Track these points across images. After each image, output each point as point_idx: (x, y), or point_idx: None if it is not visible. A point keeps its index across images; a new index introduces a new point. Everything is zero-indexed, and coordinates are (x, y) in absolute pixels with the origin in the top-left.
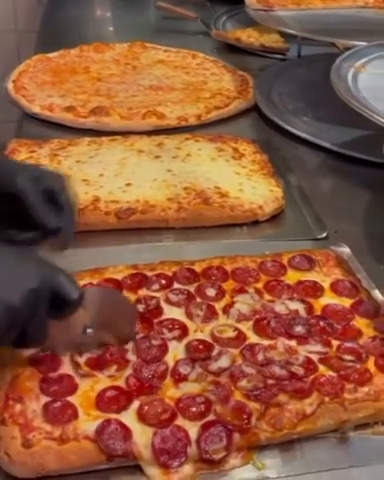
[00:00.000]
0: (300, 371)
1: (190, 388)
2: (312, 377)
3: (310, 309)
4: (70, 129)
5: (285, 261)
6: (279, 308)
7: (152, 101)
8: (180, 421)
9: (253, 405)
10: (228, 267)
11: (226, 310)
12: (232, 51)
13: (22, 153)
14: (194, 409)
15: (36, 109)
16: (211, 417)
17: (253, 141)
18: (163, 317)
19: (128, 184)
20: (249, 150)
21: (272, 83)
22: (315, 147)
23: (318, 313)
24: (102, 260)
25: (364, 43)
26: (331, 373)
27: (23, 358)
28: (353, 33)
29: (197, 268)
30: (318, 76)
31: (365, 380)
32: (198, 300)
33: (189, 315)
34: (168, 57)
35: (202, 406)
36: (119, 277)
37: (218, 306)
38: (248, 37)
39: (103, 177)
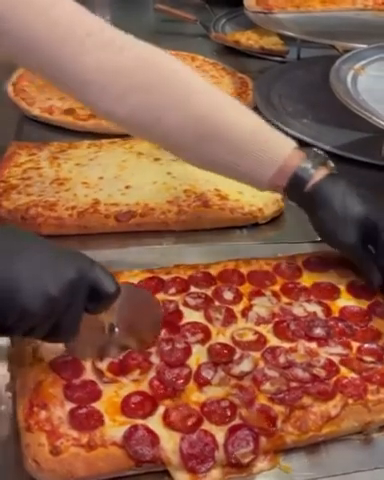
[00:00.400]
0: (322, 373)
1: (214, 392)
2: (334, 379)
3: (328, 311)
4: (69, 132)
5: (300, 263)
6: (297, 310)
7: None
8: (206, 426)
9: (278, 408)
10: (243, 270)
11: (245, 313)
12: (231, 53)
13: (22, 156)
14: (220, 413)
15: (36, 112)
16: (237, 421)
17: None
18: (184, 321)
19: (128, 187)
20: None
21: (271, 85)
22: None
23: (336, 315)
24: (103, 263)
25: (363, 45)
26: (353, 375)
27: (45, 365)
28: (352, 35)
29: (213, 271)
30: (317, 78)
31: None
32: (216, 304)
33: (208, 319)
34: None
35: (227, 410)
36: (135, 281)
37: (236, 309)
38: (247, 39)
39: (103, 180)
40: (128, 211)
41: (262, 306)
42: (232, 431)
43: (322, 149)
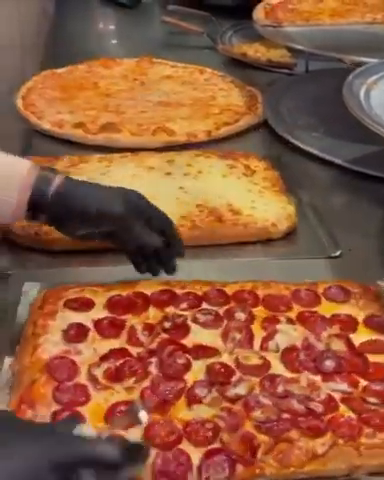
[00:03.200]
0: (319, 408)
1: (202, 411)
2: (330, 416)
3: (347, 344)
4: (79, 145)
5: (320, 291)
6: (315, 341)
7: (161, 117)
8: (185, 445)
9: (262, 438)
10: (260, 292)
11: (266, 340)
12: (239, 66)
13: None
14: (201, 434)
15: (46, 126)
16: (217, 445)
17: (264, 157)
18: (190, 336)
19: None
20: (260, 167)
21: (281, 98)
22: (326, 163)
23: (354, 348)
24: (116, 278)
25: (373, 59)
26: (351, 414)
27: (42, 364)
28: (361, 49)
29: (228, 290)
30: (326, 91)
31: None
32: (239, 323)
33: (224, 335)
34: (176, 72)
35: (210, 432)
36: (149, 292)
37: (257, 334)
38: (255, 52)
39: None
40: None
41: (286, 334)
42: (209, 455)
43: (334, 163)
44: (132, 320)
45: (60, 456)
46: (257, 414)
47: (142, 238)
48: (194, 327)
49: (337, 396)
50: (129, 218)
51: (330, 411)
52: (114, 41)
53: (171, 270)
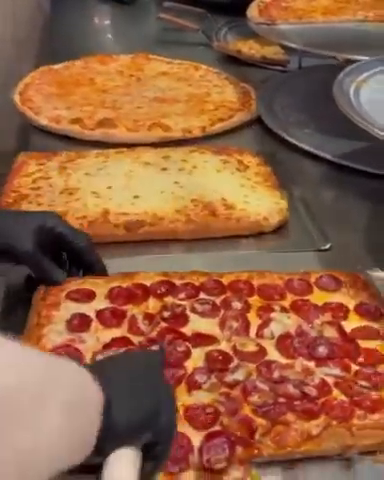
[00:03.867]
0: (313, 392)
1: (202, 397)
2: (324, 399)
3: (339, 330)
4: (75, 141)
5: (312, 280)
6: (309, 329)
7: (157, 113)
8: (185, 428)
9: (260, 421)
10: (255, 282)
11: (261, 327)
12: (233, 62)
13: (31, 166)
14: (201, 419)
15: (44, 121)
16: (217, 428)
17: (257, 153)
18: (189, 326)
19: (136, 196)
20: (253, 162)
21: (274, 95)
22: (317, 159)
23: (346, 335)
24: (114, 270)
25: (364, 57)
26: (343, 398)
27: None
28: (353, 47)
29: (225, 281)
30: (319, 87)
31: (377, 408)
32: (232, 313)
33: (222, 324)
34: (171, 69)
35: (210, 416)
36: (148, 283)
37: (253, 322)
38: (249, 49)
39: (112, 189)
40: (137, 220)
41: (280, 323)
42: (210, 437)
43: (324, 158)
44: (133, 310)
45: None
46: (255, 398)
47: (48, 274)
48: (192, 316)
49: (330, 380)
50: (36, 254)
51: (324, 395)
52: (110, 37)
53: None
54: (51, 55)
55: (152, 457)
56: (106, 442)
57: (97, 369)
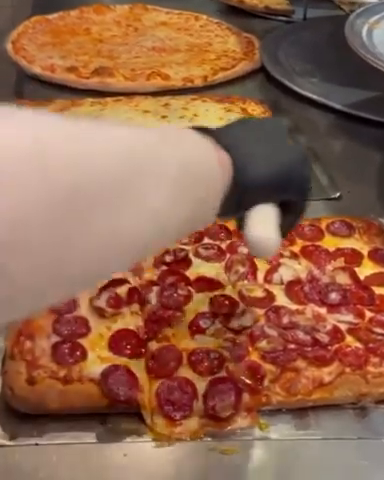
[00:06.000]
0: (325, 339)
1: (206, 342)
2: (336, 346)
3: (351, 276)
4: (71, 90)
5: (323, 226)
6: (320, 274)
7: (156, 62)
8: (189, 374)
9: (268, 367)
10: None
11: (270, 272)
12: (235, 14)
13: None
14: (206, 364)
15: (37, 70)
16: (222, 374)
17: (261, 101)
18: (192, 270)
19: None
20: (258, 111)
21: (278, 45)
22: (324, 108)
23: (360, 281)
24: None
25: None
26: (358, 344)
27: None
28: None
29: (230, 226)
30: (325, 38)
31: None
32: (242, 256)
33: (228, 268)
34: (170, 19)
35: (215, 362)
36: None
37: (261, 267)
38: None
39: None
40: None
41: (290, 268)
42: (215, 383)
43: (332, 108)
44: None
45: None
46: (263, 344)
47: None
48: (196, 261)
49: (343, 327)
50: None
51: (336, 341)
52: None
53: None
54: (46, 5)
55: (289, 213)
56: (245, 197)
57: (222, 132)
